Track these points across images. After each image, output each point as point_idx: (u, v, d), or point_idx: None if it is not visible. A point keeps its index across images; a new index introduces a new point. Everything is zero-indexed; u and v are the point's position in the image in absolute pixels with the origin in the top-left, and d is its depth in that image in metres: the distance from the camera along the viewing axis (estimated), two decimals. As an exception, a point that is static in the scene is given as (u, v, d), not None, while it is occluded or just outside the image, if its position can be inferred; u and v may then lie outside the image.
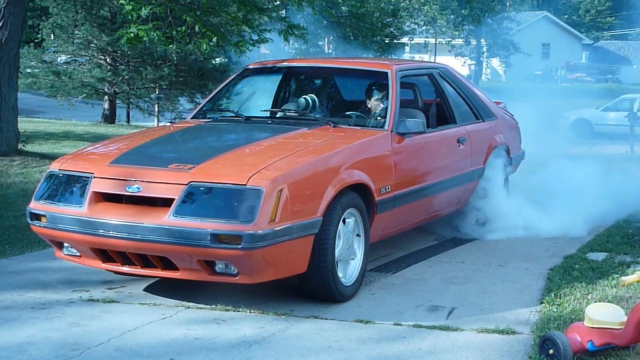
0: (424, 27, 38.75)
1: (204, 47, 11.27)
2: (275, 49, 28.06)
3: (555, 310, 5.43)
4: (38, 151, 13.09)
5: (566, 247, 7.41)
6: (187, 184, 5.29)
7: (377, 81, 6.97)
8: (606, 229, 8.16)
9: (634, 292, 5.72)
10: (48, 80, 22.53)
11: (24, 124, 15.72)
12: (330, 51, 29.60)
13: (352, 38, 21.98)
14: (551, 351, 4.48)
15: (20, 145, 12.15)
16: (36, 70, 22.87)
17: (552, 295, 5.78)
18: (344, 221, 5.73)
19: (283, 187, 5.22)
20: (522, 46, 40.44)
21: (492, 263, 6.87)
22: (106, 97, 23.57)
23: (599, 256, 6.98)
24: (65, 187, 5.75)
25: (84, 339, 4.89)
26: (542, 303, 5.67)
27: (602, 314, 4.55)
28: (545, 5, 50.28)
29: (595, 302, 5.39)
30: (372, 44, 23.33)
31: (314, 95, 7.18)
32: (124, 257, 5.50)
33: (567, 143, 11.03)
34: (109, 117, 23.63)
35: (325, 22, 17.66)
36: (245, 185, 5.18)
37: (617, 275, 6.23)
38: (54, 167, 5.93)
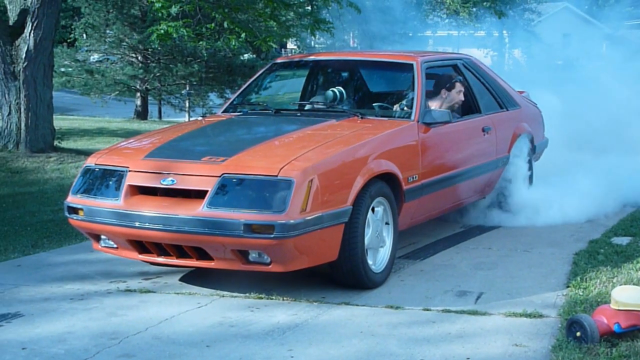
0: (446, 20, 38.61)
1: (233, 44, 11.38)
2: (302, 45, 28.14)
3: (581, 293, 5.46)
4: (73, 147, 13.20)
5: (590, 232, 7.44)
6: (220, 176, 5.36)
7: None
8: (630, 214, 8.17)
9: (659, 275, 5.76)
10: (81, 79, 22.72)
11: (59, 122, 15.84)
12: (355, 45, 29.59)
13: (376, 31, 22.04)
14: (578, 333, 4.52)
15: (56, 142, 12.28)
16: (70, 69, 23.05)
17: (578, 279, 5.82)
18: (372, 210, 5.78)
19: (313, 177, 5.29)
20: (543, 37, 40.13)
21: (518, 249, 6.92)
22: (138, 94, 23.72)
23: (624, 240, 7.01)
24: (101, 181, 5.82)
25: (122, 328, 4.94)
26: (568, 287, 5.71)
27: (628, 296, 4.57)
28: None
29: (620, 285, 5.40)
30: (395, 36, 23.34)
31: (341, 88, 7.24)
32: (160, 248, 5.57)
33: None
34: (142, 114, 23.76)
35: (350, 16, 17.73)
36: (276, 176, 5.25)
37: (642, 259, 6.27)
38: (90, 162, 6.00)
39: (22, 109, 11.55)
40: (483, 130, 7.46)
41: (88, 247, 6.54)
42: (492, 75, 8.17)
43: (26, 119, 11.60)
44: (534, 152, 8.49)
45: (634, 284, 5.44)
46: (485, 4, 34.12)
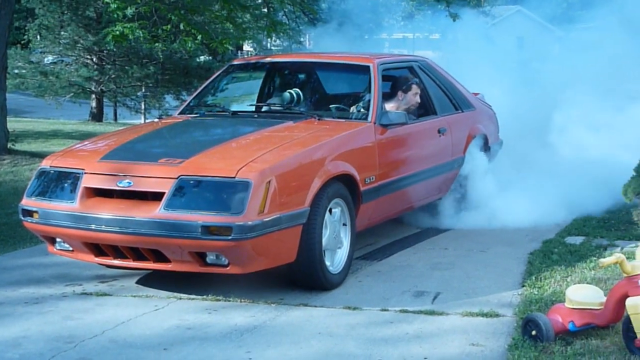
0: (402, 23, 38.98)
1: (189, 45, 11.35)
2: (258, 47, 28.10)
3: (536, 292, 5.54)
4: (27, 150, 13.03)
5: (545, 232, 7.50)
6: (177, 178, 5.35)
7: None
8: (583, 214, 8.20)
9: (612, 273, 5.82)
10: (36, 81, 22.46)
11: (13, 124, 15.65)
12: (310, 47, 29.61)
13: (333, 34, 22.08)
14: (534, 332, 4.58)
15: (9, 145, 12.14)
16: (24, 71, 22.79)
17: (533, 278, 5.89)
18: (330, 211, 5.81)
19: (271, 179, 5.31)
20: (497, 39, 40.55)
21: (475, 249, 6.97)
22: (93, 96, 23.51)
23: (577, 240, 7.10)
24: (57, 183, 5.78)
25: (78, 331, 4.92)
26: (523, 286, 5.77)
27: (582, 295, 4.65)
28: (519, 0, 50.54)
29: (574, 284, 5.46)
30: (352, 38, 23.44)
31: (298, 90, 7.25)
32: (116, 251, 5.54)
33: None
34: (97, 116, 23.57)
35: (306, 18, 17.76)
36: (234, 177, 5.26)
37: (595, 258, 6.34)
38: (45, 164, 5.96)
39: (-25, 111, 11.41)
40: (439, 132, 7.52)
41: (43, 250, 6.48)
42: (448, 77, 8.23)
43: (-21, 122, 11.46)
44: (489, 152, 8.55)
45: (587, 283, 5.50)
46: (440, 6, 34.44)
